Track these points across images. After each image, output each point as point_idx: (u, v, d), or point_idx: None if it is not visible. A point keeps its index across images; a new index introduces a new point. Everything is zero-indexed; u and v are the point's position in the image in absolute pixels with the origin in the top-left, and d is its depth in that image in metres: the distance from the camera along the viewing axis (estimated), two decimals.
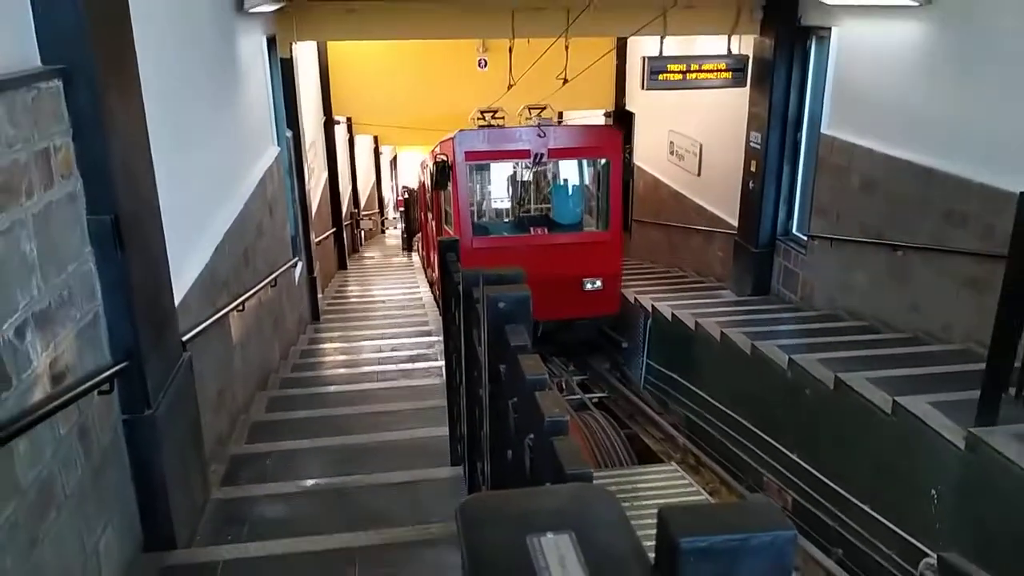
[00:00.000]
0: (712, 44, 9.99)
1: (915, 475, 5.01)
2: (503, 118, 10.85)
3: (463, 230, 9.84)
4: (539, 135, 9.67)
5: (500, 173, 10.97)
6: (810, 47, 8.92)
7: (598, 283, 10.07)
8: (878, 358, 6.28)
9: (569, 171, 10.99)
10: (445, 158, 10.06)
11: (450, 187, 10.08)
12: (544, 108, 10.73)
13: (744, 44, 9.46)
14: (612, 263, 10.26)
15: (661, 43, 9.35)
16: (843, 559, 5.74)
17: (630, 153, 9.72)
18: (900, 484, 5.19)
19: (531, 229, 10.25)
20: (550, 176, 10.93)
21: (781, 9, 8.92)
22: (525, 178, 10.83)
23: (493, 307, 1.78)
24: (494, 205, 11.20)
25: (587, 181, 10.99)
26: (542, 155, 9.76)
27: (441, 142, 10.97)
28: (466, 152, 9.79)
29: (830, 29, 8.31)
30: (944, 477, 4.77)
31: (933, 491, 4.85)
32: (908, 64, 7.14)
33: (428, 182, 13.74)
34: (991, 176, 6.08)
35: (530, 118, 10.62)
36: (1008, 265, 4.31)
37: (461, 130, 9.94)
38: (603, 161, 10.34)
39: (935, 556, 4.70)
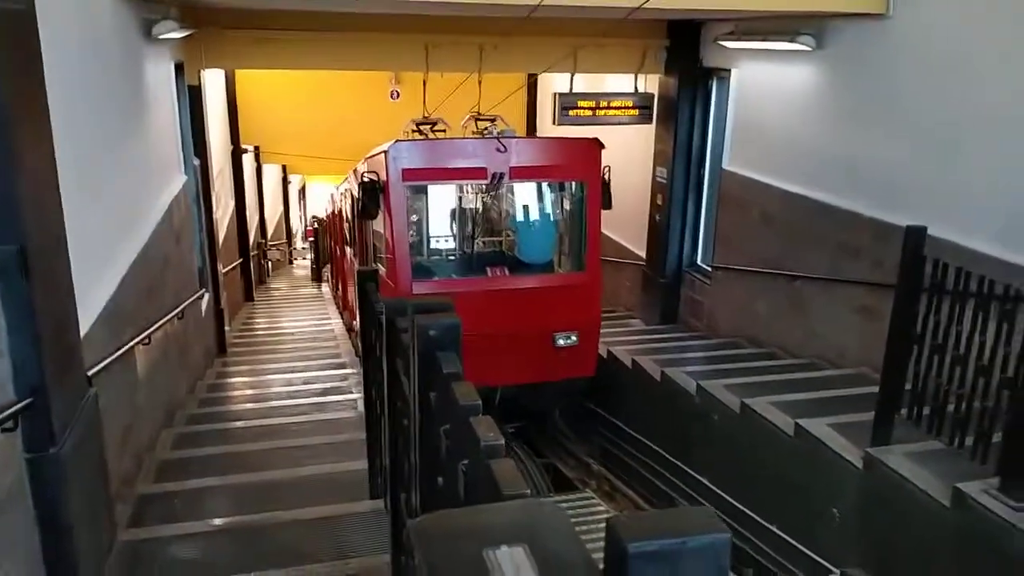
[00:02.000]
0: (620, 82, 10.32)
1: (818, 495, 5.24)
2: (444, 131, 9.01)
3: (399, 272, 7.70)
4: (498, 149, 7.74)
5: (446, 198, 8.66)
6: (711, 87, 9.35)
7: (572, 338, 8.15)
8: (780, 383, 6.56)
9: (535, 196, 8.90)
10: (374, 177, 7.87)
11: (381, 215, 7.94)
12: (495, 119, 8.74)
13: (650, 82, 9.83)
14: (589, 312, 8.33)
15: (571, 80, 9.62)
16: None
17: (608, 173, 8.12)
18: (804, 504, 5.42)
19: (487, 270, 8.17)
20: (511, 202, 8.86)
21: (684, 50, 9.33)
22: (478, 204, 8.67)
23: (424, 335, 1.81)
24: (438, 239, 8.77)
25: (556, 207, 8.95)
26: (502, 175, 7.79)
27: (368, 157, 8.73)
28: (403, 170, 7.65)
29: (730, 70, 8.74)
30: (844, 496, 5.00)
31: (835, 510, 5.08)
32: (802, 105, 7.57)
33: (347, 210, 11.97)
34: (880, 211, 6.49)
35: (478, 131, 8.63)
36: (896, 294, 4.60)
37: (397, 140, 7.86)
38: (577, 183, 8.44)
39: (838, 572, 4.92)
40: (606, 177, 8.17)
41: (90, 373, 3.92)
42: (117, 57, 5.77)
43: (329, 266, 18.08)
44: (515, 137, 8.22)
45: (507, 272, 8.17)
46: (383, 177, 7.73)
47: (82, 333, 3.82)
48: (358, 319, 5.06)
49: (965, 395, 4.22)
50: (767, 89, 8.18)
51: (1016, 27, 5.40)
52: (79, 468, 3.47)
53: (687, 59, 9.35)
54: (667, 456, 7.38)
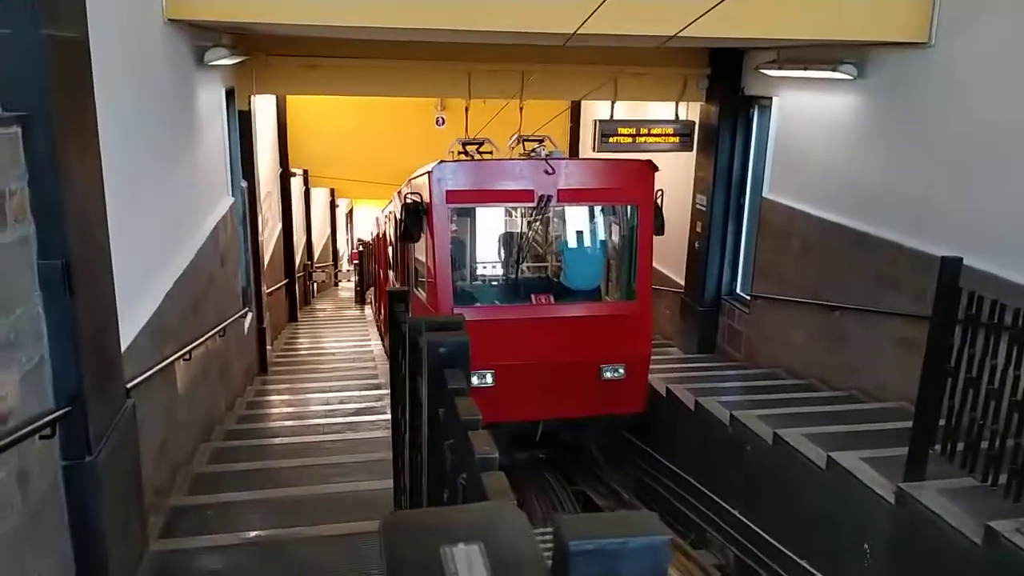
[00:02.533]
0: (661, 109, 10.37)
1: (848, 529, 5.14)
2: (491, 152, 8.67)
3: (440, 297, 7.45)
4: (546, 171, 7.42)
5: (491, 221, 8.49)
6: (753, 115, 9.33)
7: (620, 371, 7.73)
8: (815, 415, 6.47)
9: (584, 219, 8.60)
10: (417, 199, 7.64)
11: (423, 238, 7.67)
12: (543, 140, 8.38)
13: (691, 110, 9.85)
14: (639, 344, 7.89)
15: (612, 107, 9.69)
16: None
17: (661, 198, 7.82)
18: (834, 538, 5.32)
19: (532, 297, 7.84)
20: (558, 226, 8.60)
21: (725, 79, 9.35)
22: (524, 228, 8.39)
23: (434, 351, 1.87)
24: (482, 264, 8.52)
25: (606, 233, 8.60)
26: (549, 197, 7.45)
27: (412, 178, 8.53)
28: (447, 191, 7.35)
29: (771, 99, 8.72)
30: (875, 531, 4.91)
31: (865, 545, 4.98)
32: (843, 134, 7.53)
33: (391, 233, 11.76)
34: (920, 241, 6.40)
35: (525, 153, 8.24)
36: (930, 326, 4.54)
37: (441, 161, 7.60)
38: (630, 207, 8.06)
39: None
40: (658, 201, 7.81)
41: (129, 385, 4.05)
42: (169, 82, 6.01)
43: (373, 289, 18.31)
44: (563, 159, 7.92)
45: (552, 300, 7.85)
46: (426, 198, 7.46)
47: (125, 346, 3.96)
48: (388, 342, 4.98)
49: (999, 431, 4.13)
50: (809, 118, 8.15)
51: None
52: (113, 477, 3.58)
53: (728, 87, 9.36)
54: (698, 486, 7.30)
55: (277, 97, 14.52)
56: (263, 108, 12.41)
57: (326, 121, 15.88)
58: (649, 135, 9.52)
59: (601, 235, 8.53)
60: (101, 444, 3.38)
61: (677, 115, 9.69)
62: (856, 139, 7.36)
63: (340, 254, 27.69)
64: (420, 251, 8.25)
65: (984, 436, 4.25)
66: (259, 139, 10.68)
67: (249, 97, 9.51)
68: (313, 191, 19.32)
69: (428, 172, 7.43)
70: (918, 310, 6.26)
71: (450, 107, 14.61)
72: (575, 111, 14.79)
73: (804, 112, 8.23)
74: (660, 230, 7.89)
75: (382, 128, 15.56)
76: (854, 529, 5.09)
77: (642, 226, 7.82)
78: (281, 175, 14.99)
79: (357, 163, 16.39)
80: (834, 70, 7.22)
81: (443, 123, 15.16)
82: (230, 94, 8.91)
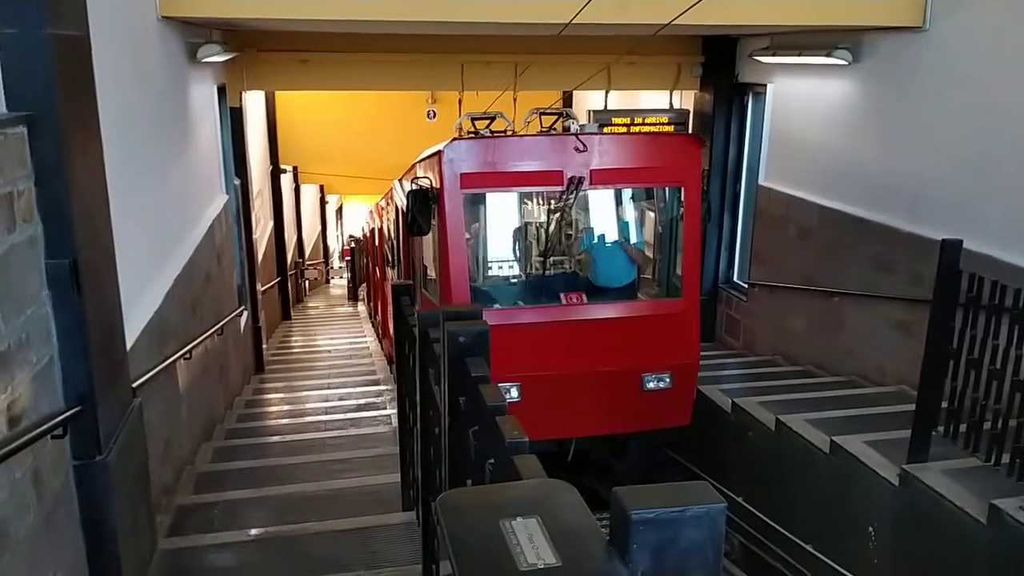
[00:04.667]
0: (655, 98, 10.38)
1: (853, 512, 5.18)
2: (505, 130, 7.23)
3: (456, 298, 6.45)
4: (577, 148, 6.41)
5: (512, 208, 7.30)
6: (747, 102, 9.35)
7: (666, 380, 6.71)
8: (816, 400, 6.51)
9: (622, 205, 7.48)
10: (426, 184, 6.60)
11: (433, 230, 6.69)
12: (563, 112, 7.29)
13: (685, 98, 9.87)
14: (688, 348, 6.85)
15: (606, 97, 9.70)
16: None
17: (707, 179, 6.75)
18: (839, 522, 5.36)
19: (562, 297, 6.73)
20: (592, 213, 7.37)
21: (719, 66, 9.36)
22: (551, 216, 7.08)
23: (454, 341, 1.88)
24: (502, 259, 7.35)
25: (642, 219, 7.57)
26: (580, 179, 6.39)
27: (419, 160, 7.39)
28: (462, 175, 6.31)
29: (765, 86, 8.74)
30: (880, 513, 4.94)
31: (870, 527, 5.02)
32: (838, 119, 7.55)
33: (390, 227, 10.86)
34: (918, 225, 6.43)
35: (546, 129, 7.10)
36: (932, 308, 4.57)
37: (454, 139, 6.58)
38: (670, 190, 7.01)
39: None
40: (705, 183, 6.74)
41: (135, 384, 4.05)
42: (163, 80, 5.98)
43: (365, 287, 18.24)
44: (597, 133, 6.83)
45: (585, 299, 6.74)
46: (437, 183, 6.44)
47: (128, 345, 3.95)
48: (393, 336, 4.49)
49: (1002, 411, 4.16)
50: (803, 104, 8.17)
51: None
52: (124, 476, 3.58)
53: (722, 75, 9.38)
54: (702, 475, 7.33)
55: (266, 93, 14.45)
56: (253, 105, 12.36)
57: (315, 117, 15.83)
58: (644, 124, 9.52)
59: (638, 223, 7.52)
60: (111, 443, 3.38)
61: (671, 104, 9.72)
62: (851, 124, 7.39)
63: (331, 251, 27.65)
64: (428, 245, 7.26)
65: (987, 416, 4.29)
66: (249, 136, 10.65)
67: (241, 93, 9.48)
68: (303, 188, 19.25)
69: (439, 152, 6.37)
70: (916, 294, 6.31)
71: (442, 100, 14.59)
72: (568, 101, 14.77)
73: (799, 98, 8.26)
74: (708, 215, 7.02)
75: (372, 123, 15.52)
76: (859, 512, 5.13)
77: (688, 211, 6.78)
78: (272, 172, 14.93)
79: (347, 159, 16.36)
80: (828, 55, 7.24)
81: (434, 116, 15.14)
82: (222, 91, 8.87)
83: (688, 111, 9.69)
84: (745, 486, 6.62)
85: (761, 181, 8.87)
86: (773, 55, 8.24)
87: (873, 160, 7.06)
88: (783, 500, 6.08)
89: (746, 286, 9.30)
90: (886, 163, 6.89)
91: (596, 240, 7.21)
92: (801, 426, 5.83)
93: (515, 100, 9.47)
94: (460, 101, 9.67)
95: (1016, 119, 5.59)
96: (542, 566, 0.77)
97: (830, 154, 7.68)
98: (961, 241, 4.48)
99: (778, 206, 8.49)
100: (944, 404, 4.58)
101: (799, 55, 7.78)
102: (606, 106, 9.65)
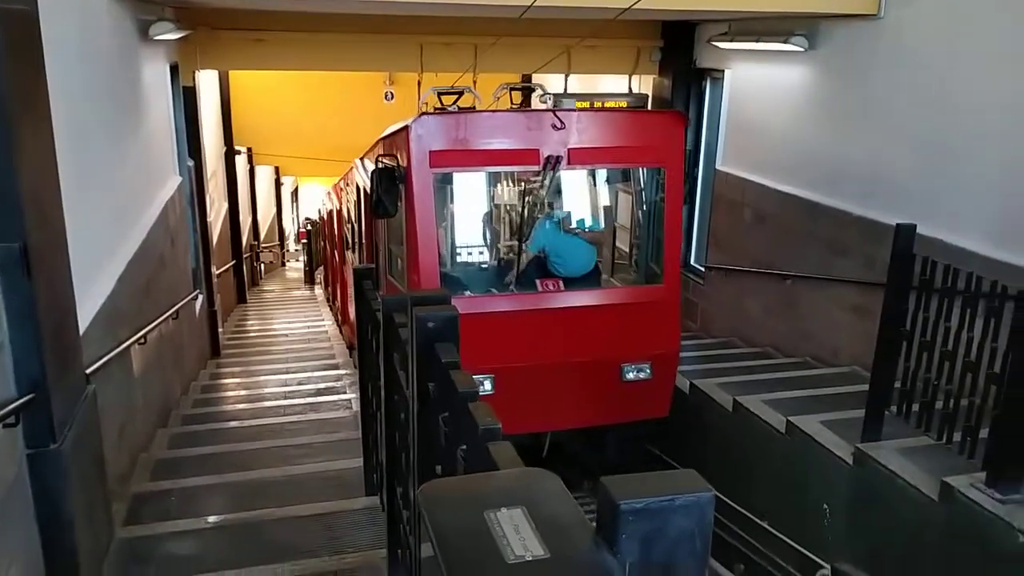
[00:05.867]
0: (614, 83, 10.39)
1: (809, 491, 5.30)
2: (474, 107, 6.96)
3: (424, 284, 6.09)
4: (554, 125, 6.06)
5: (485, 189, 7.00)
6: (705, 87, 9.42)
7: (646, 370, 6.50)
8: (773, 381, 6.62)
9: (600, 186, 7.22)
10: (392, 163, 6.23)
11: (400, 212, 6.24)
12: (534, 89, 6.79)
13: (644, 83, 9.90)
14: (668, 337, 6.61)
15: (566, 80, 9.68)
16: (745, 575, 5.98)
17: (689, 158, 6.60)
18: (796, 500, 5.47)
19: (538, 284, 6.44)
20: (568, 194, 7.11)
21: (678, 51, 9.41)
22: (526, 198, 6.77)
23: (423, 327, 1.86)
24: (474, 244, 7.06)
25: (618, 201, 7.32)
26: (558, 159, 6.08)
27: (383, 138, 6.95)
28: (431, 152, 5.92)
29: (723, 71, 8.81)
30: (835, 492, 5.06)
31: (825, 505, 5.13)
32: (795, 105, 7.65)
33: (350, 209, 10.37)
34: (871, 210, 6.56)
35: (516, 106, 6.60)
36: (886, 291, 4.67)
37: (423, 113, 6.18)
38: (647, 171, 6.82)
39: (829, 568, 4.98)
40: (686, 164, 6.58)
41: (88, 371, 3.95)
42: (114, 58, 5.81)
43: (323, 270, 18.02)
44: (575, 110, 6.43)
45: (562, 286, 6.44)
46: (404, 162, 6.02)
47: (81, 330, 3.85)
48: (355, 321, 4.35)
49: (953, 391, 4.28)
50: (760, 90, 8.25)
51: (1003, 27, 5.48)
52: (78, 464, 3.50)
53: (681, 60, 9.42)
54: (660, 455, 7.43)
55: (220, 73, 14.17)
56: (206, 85, 12.09)
57: (270, 97, 15.57)
58: (603, 108, 9.53)
59: (616, 205, 7.27)
60: (65, 431, 3.29)
61: (631, 88, 9.74)
62: (807, 110, 7.49)
63: (287, 234, 27.29)
64: (394, 228, 6.87)
65: (938, 396, 4.40)
66: (203, 117, 10.42)
67: (194, 73, 9.26)
68: (258, 169, 18.96)
69: (406, 128, 5.94)
70: (869, 277, 6.44)
71: (400, 82, 14.42)
72: (511, 96, 14.73)
73: (756, 84, 8.34)
74: (687, 198, 6.73)
75: (329, 104, 15.32)
76: (814, 490, 5.24)
77: (669, 193, 6.50)
78: (226, 153, 14.67)
79: (303, 140, 16.14)
80: (785, 42, 7.32)
81: (392, 98, 14.97)
82: (174, 70, 8.66)
83: (647, 95, 9.73)
84: (704, 466, 6.71)
85: (718, 166, 8.96)
86: (731, 41, 8.30)
87: (828, 146, 7.17)
88: (741, 479, 6.19)
89: (703, 269, 9.40)
90: (841, 149, 7.00)
91: (548, 228, 6.85)
92: (758, 407, 5.93)
93: (475, 83, 9.39)
94: (419, 83, 9.57)
95: (968, 106, 5.71)
96: (530, 558, 0.76)
97: (786, 140, 7.78)
98: (915, 225, 4.57)
99: (735, 190, 8.59)
100: (897, 384, 4.69)
101: (756, 41, 7.85)
102: (566, 89, 9.62)
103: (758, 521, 5.86)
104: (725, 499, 6.26)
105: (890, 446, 4.71)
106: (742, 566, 5.98)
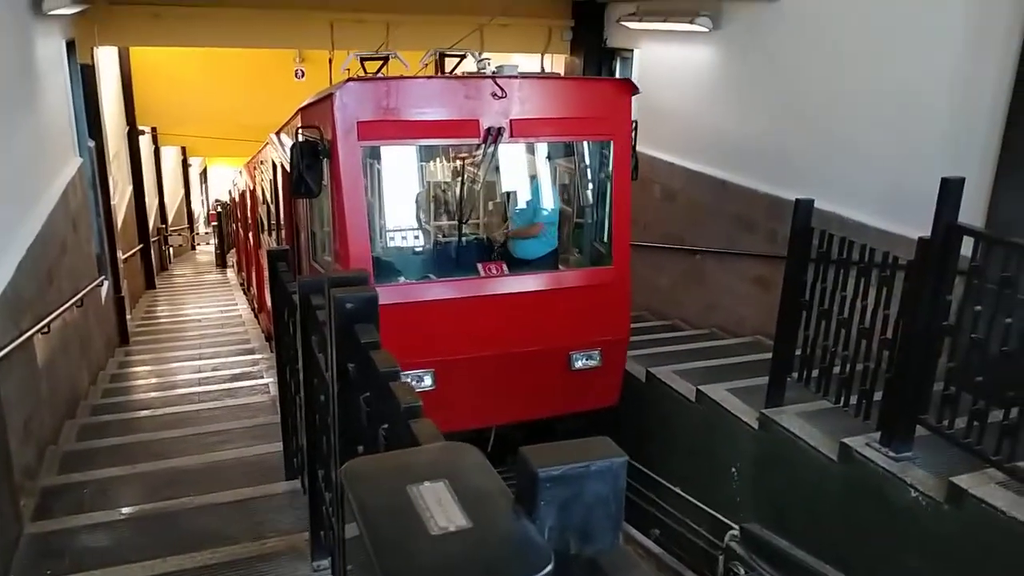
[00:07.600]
0: (527, 62, 10.43)
1: (718, 456, 5.54)
2: (401, 74, 6.26)
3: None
4: (494, 94, 5.51)
5: (419, 164, 6.43)
6: (615, 67, 9.58)
7: (595, 357, 6.08)
8: (682, 352, 6.88)
9: (543, 160, 6.61)
10: (314, 136, 5.48)
11: (325, 191, 5.54)
12: (465, 56, 6.39)
13: (556, 63, 9.99)
14: (618, 322, 6.20)
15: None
16: (660, 539, 6.21)
17: (636, 132, 6.11)
18: (707, 466, 5.72)
19: (480, 268, 5.98)
20: (510, 170, 6.42)
21: (588, 31, 9.54)
22: (465, 174, 6.30)
23: (341, 308, 1.88)
24: (408, 226, 6.45)
25: (568, 177, 6.80)
26: (500, 130, 5.53)
27: (304, 108, 6.11)
28: (359, 124, 5.29)
29: (632, 51, 8.97)
30: (742, 455, 5.31)
31: (733, 469, 5.39)
32: (701, 85, 7.87)
33: (265, 188, 9.51)
34: (774, 186, 6.83)
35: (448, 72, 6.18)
36: (787, 263, 4.90)
37: (349, 79, 5.45)
38: (592, 144, 6.38)
39: (738, 528, 5.24)
40: (634, 136, 6.07)
41: None
42: (3, 32, 5.52)
43: (235, 253, 17.55)
44: (517, 76, 5.70)
45: (506, 270, 5.98)
46: (328, 135, 5.36)
47: None
48: (271, 303, 3.99)
49: (849, 357, 4.54)
50: (668, 69, 8.45)
51: (889, 11, 5.76)
52: None
53: (592, 39, 9.55)
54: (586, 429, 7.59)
55: (120, 50, 13.57)
56: (106, 62, 11.58)
57: (175, 76, 15.01)
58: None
59: (561, 182, 6.76)
60: None
61: (543, 67, 9.81)
62: (713, 90, 7.72)
63: (196, 216, 26.46)
64: (317, 209, 6.30)
65: (836, 362, 4.66)
66: (104, 96, 10.00)
67: (92, 49, 8.87)
68: (163, 150, 18.28)
69: (330, 96, 5.28)
70: (772, 251, 6.73)
71: (311, 59, 14.14)
72: (440, 63, 14.63)
73: (664, 64, 8.53)
74: (634, 174, 6.20)
75: (236, 83, 14.90)
76: (723, 455, 5.49)
77: (617, 167, 6.02)
78: (128, 133, 14.09)
79: (210, 120, 15.65)
80: (691, 22, 7.51)
81: (303, 75, 14.67)
82: (71, 46, 8.27)
83: (559, 74, 9.81)
84: (617, 434, 6.90)
85: None
86: (639, 21, 8.46)
87: (733, 124, 7.42)
88: (655, 447, 6.41)
89: None
90: (747, 128, 7.25)
91: (519, 208, 6.47)
92: (670, 377, 6.15)
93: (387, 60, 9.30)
94: (331, 60, 9.38)
95: (859, 85, 6.00)
96: (453, 528, 0.81)
97: (693, 119, 8.00)
98: (812, 200, 4.81)
99: (645, 168, 8.73)
100: (798, 352, 4.94)
101: (664, 21, 8.02)
102: (478, 68, 9.62)
103: (672, 488, 6.09)
104: (641, 467, 6.48)
105: (792, 410, 4.97)
106: (657, 531, 6.21)
